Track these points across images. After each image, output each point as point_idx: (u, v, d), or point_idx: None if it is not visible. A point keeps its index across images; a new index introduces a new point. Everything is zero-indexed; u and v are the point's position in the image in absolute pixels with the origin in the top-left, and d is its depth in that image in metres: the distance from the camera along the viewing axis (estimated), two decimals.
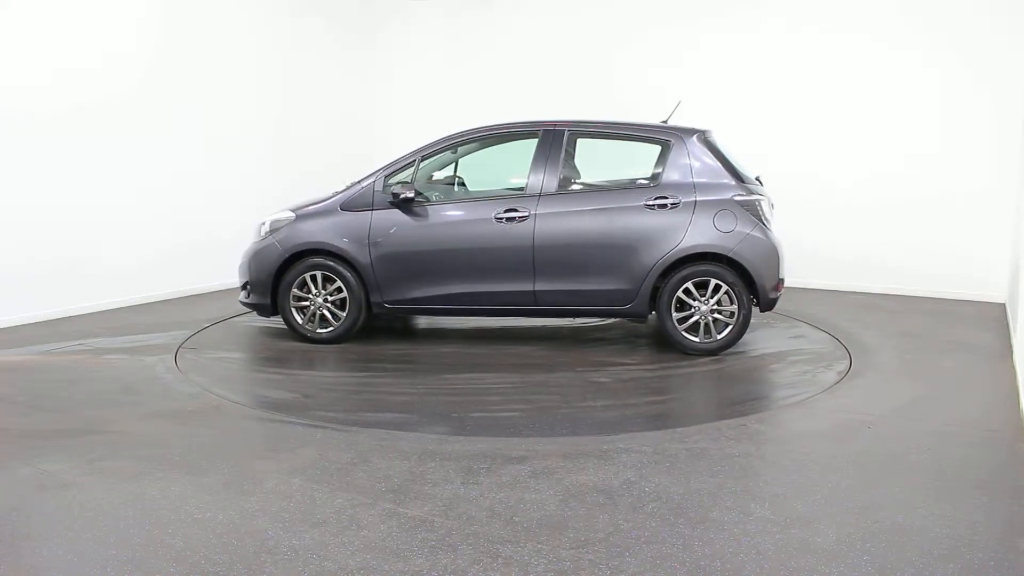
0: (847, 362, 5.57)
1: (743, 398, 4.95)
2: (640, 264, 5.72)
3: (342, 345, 6.12)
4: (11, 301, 6.48)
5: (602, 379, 5.22)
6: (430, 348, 6.17)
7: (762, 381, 5.39)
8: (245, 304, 6.34)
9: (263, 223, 6.35)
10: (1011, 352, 5.79)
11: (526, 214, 5.81)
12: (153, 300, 7.64)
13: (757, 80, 8.51)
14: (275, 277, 6.10)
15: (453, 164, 6.59)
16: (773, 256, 5.71)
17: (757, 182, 6.04)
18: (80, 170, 6.99)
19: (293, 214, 6.23)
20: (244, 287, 6.32)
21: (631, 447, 3.95)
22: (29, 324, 6.56)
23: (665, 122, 6.24)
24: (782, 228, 6.26)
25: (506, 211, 5.85)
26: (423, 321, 6.96)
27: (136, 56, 7.44)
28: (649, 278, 5.71)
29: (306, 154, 9.43)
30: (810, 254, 8.15)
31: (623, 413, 4.54)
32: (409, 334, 6.61)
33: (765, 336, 6.40)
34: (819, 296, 7.86)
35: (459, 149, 6.44)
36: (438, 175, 6.65)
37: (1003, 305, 7.47)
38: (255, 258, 6.20)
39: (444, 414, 4.52)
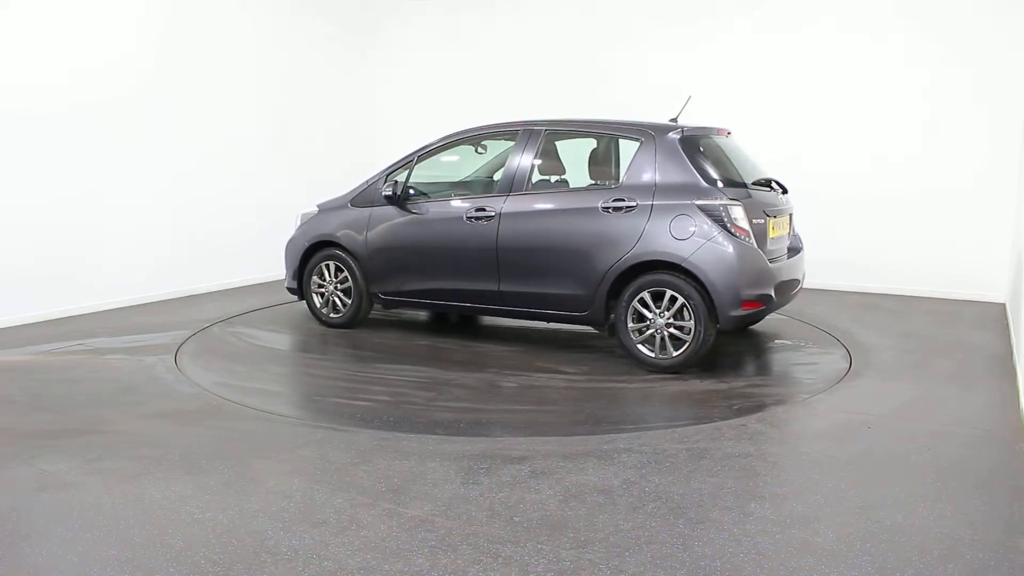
0: (847, 362, 5.57)
1: (614, 418, 4.49)
2: (594, 270, 5.41)
3: (349, 331, 6.58)
4: (11, 301, 6.49)
5: (508, 384, 5.13)
6: (409, 340, 6.34)
7: (668, 403, 4.80)
8: (287, 288, 6.99)
9: (298, 215, 7.03)
10: (1011, 352, 5.79)
11: (492, 213, 5.80)
12: (153, 300, 7.64)
13: (755, 80, 8.51)
14: (301, 264, 6.74)
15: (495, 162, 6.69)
16: (735, 268, 5.07)
17: (764, 187, 5.67)
18: (80, 170, 6.99)
19: (317, 208, 6.84)
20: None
21: (631, 447, 3.95)
22: (29, 324, 6.57)
23: (675, 119, 6.04)
24: None
25: (476, 210, 5.88)
26: (486, 320, 7.01)
27: (136, 57, 7.44)
28: (603, 285, 5.39)
29: (306, 154, 9.44)
30: (810, 254, 8.13)
31: (459, 416, 4.47)
32: (419, 327, 6.66)
33: (748, 338, 6.40)
34: (819, 296, 7.86)
35: (487, 147, 6.51)
36: (498, 175, 6.70)
37: (1003, 305, 7.47)
38: (288, 247, 6.91)
39: (307, 396, 5.05)
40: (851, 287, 8.26)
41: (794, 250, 5.99)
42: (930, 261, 7.94)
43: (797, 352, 5.95)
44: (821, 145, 8.30)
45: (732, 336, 6.28)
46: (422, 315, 7.25)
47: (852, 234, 8.21)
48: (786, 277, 5.61)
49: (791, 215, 6.02)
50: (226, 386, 5.04)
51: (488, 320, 6.94)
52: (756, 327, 6.55)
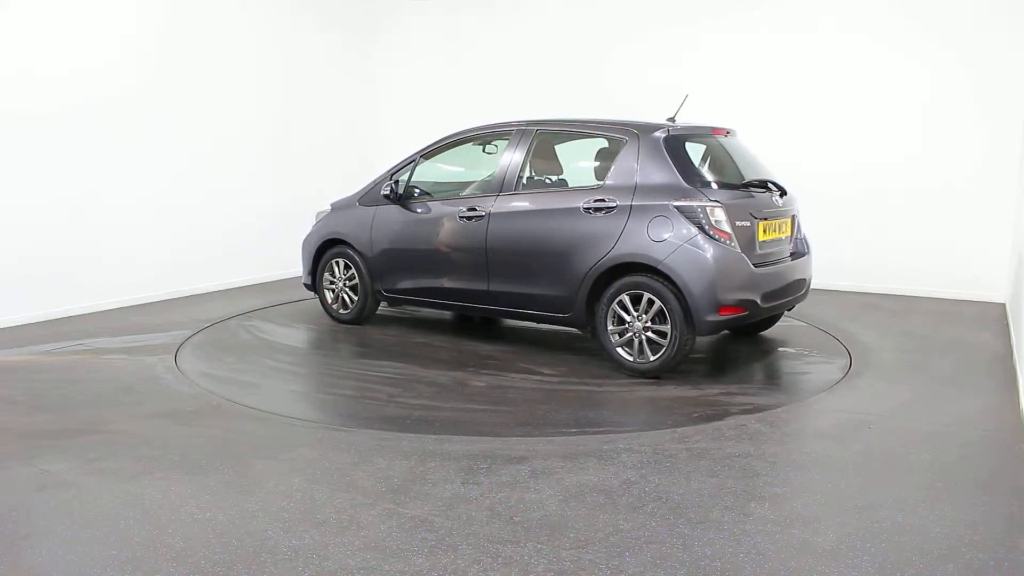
0: (847, 362, 5.56)
1: (564, 421, 4.39)
2: (575, 271, 5.35)
3: (356, 327, 6.71)
4: (11, 301, 6.49)
5: (476, 383, 5.12)
6: (407, 337, 6.41)
7: (620, 408, 4.70)
8: (303, 284, 7.14)
9: (315, 213, 7.24)
10: (1011, 352, 5.79)
11: (482, 213, 5.82)
12: (153, 300, 7.64)
13: (754, 80, 8.51)
14: (314, 262, 6.92)
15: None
16: (712, 272, 4.91)
17: (759, 188, 5.48)
18: (80, 170, 6.99)
19: (330, 207, 6.99)
20: None
21: (631, 447, 3.95)
22: (29, 324, 6.57)
23: (672, 119, 5.92)
24: None
25: (468, 210, 5.91)
26: (506, 323, 6.98)
27: (136, 57, 7.44)
28: (584, 286, 5.32)
29: (306, 154, 9.44)
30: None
31: (410, 412, 4.51)
32: (424, 325, 6.69)
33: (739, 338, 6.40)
34: (819, 296, 7.86)
35: (498, 147, 6.47)
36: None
37: (1003, 305, 7.47)
38: (304, 244, 7.06)
39: (284, 391, 5.10)
40: (851, 287, 8.26)
41: (797, 253, 5.82)
42: (930, 261, 7.93)
43: (796, 360, 5.94)
44: (821, 145, 8.29)
45: (731, 338, 6.28)
46: (447, 314, 7.21)
47: (852, 234, 8.21)
48: (782, 282, 5.46)
49: (794, 217, 5.83)
50: (224, 384, 5.04)
51: (508, 322, 6.89)
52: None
